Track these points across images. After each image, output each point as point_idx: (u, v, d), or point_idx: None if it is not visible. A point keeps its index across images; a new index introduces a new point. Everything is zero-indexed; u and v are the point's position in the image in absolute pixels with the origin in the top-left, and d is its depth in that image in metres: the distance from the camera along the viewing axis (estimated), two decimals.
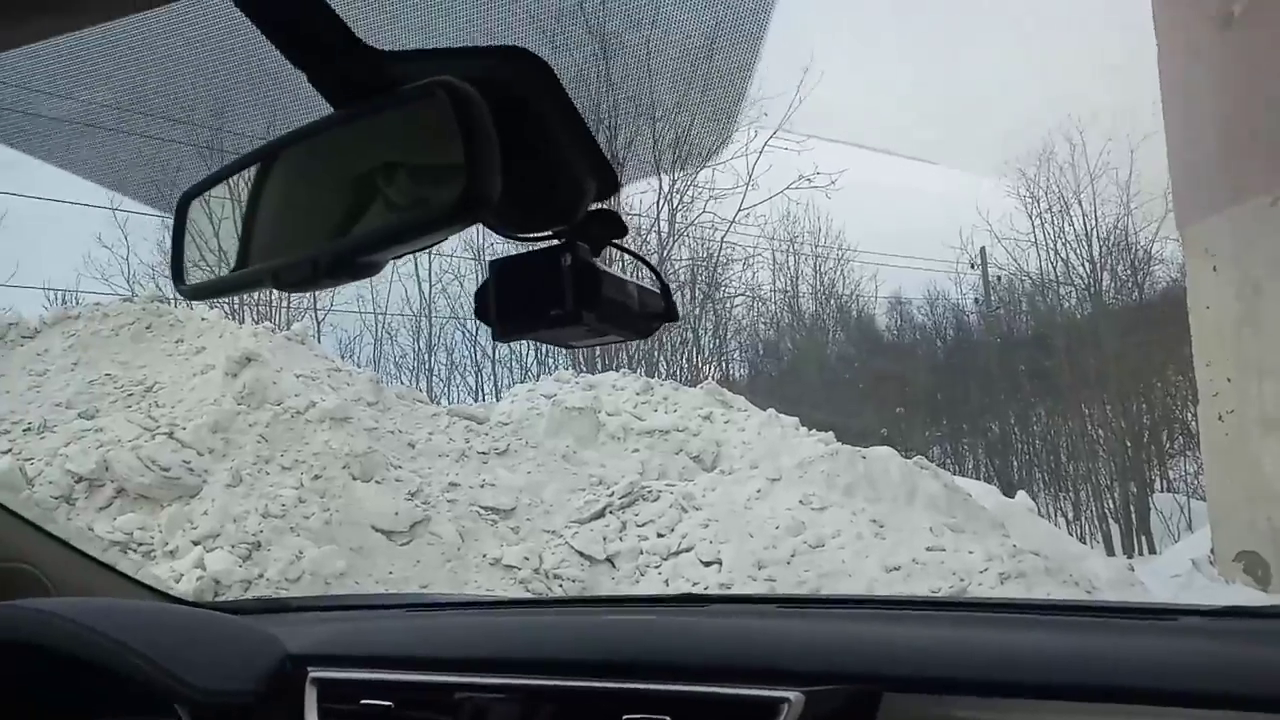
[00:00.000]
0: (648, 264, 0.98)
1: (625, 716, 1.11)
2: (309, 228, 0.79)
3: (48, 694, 1.49)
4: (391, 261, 0.79)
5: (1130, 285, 19.01)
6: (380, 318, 16.20)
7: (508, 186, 0.68)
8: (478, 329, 15.94)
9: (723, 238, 16.49)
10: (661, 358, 14.78)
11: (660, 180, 14.38)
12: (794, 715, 1.04)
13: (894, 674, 1.09)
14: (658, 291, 0.88)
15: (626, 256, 0.99)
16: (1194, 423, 13.23)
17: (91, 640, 1.29)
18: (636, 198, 13.65)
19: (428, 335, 16.36)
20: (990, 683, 1.04)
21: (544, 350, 14.15)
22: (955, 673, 1.07)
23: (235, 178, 0.84)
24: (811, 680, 1.08)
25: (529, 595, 5.66)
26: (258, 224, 0.83)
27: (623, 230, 0.87)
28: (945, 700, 1.04)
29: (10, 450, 6.47)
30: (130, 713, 1.49)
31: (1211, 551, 8.97)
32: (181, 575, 5.35)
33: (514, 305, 0.83)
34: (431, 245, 0.76)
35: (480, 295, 0.84)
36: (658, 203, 15.09)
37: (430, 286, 16.26)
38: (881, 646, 1.17)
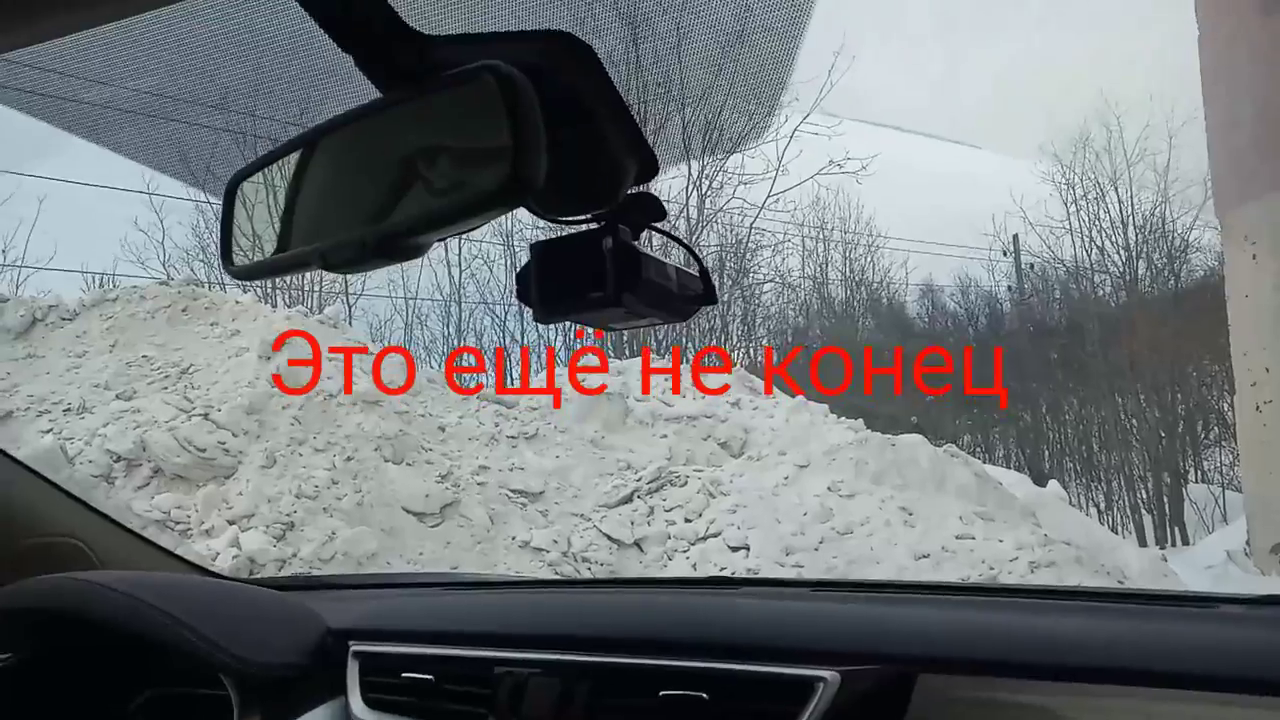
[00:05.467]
0: (687, 247, 0.99)
1: (662, 693, 1.13)
2: (355, 210, 0.80)
3: (94, 665, 1.53)
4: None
5: (1167, 273, 18.68)
6: (411, 302, 16.30)
7: (550, 170, 0.69)
8: (505, 314, 16.02)
9: (752, 224, 16.40)
10: (689, 344, 14.75)
11: (690, 166, 14.29)
12: (830, 694, 1.05)
13: (930, 655, 1.10)
14: (696, 274, 0.89)
15: (658, 239, 0.99)
16: (1230, 413, 13.03)
17: (140, 612, 1.33)
18: (666, 183, 13.60)
19: (457, 320, 16.44)
20: (1025, 665, 1.05)
21: (572, 335, 14.19)
22: (990, 655, 1.08)
23: (282, 161, 0.86)
24: (847, 661, 1.09)
25: (560, 577, 5.70)
26: (305, 207, 0.84)
27: (662, 214, 0.87)
28: (980, 682, 1.05)
29: (51, 430, 6.60)
30: (174, 684, 1.53)
31: (1247, 543, 8.85)
32: (217, 554, 5.45)
33: (554, 287, 0.84)
34: (476, 227, 0.77)
35: (521, 277, 0.85)
36: (687, 188, 15.02)
37: (460, 272, 16.33)
38: (917, 629, 1.18)
